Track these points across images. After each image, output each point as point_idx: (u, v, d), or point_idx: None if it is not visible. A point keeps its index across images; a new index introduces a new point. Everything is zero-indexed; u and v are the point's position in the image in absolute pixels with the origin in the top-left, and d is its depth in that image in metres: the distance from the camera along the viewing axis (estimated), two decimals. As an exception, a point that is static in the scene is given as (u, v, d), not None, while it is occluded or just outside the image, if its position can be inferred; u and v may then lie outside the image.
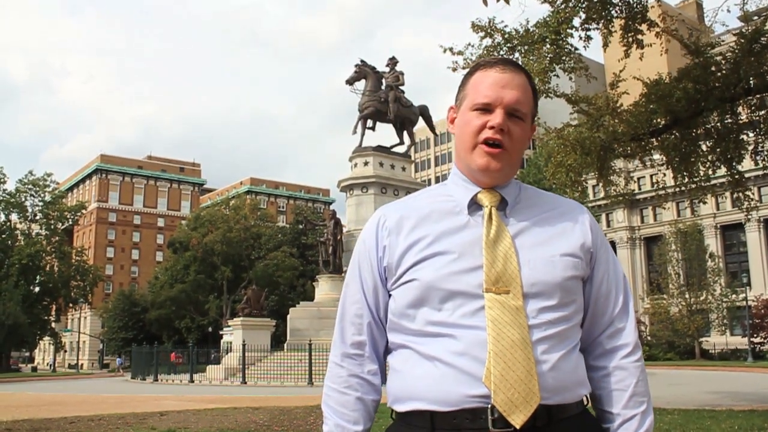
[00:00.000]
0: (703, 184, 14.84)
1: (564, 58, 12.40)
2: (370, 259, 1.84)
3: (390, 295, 1.81)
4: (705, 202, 16.48)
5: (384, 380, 1.88)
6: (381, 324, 1.84)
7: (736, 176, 14.60)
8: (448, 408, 1.64)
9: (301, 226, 75.50)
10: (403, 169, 37.28)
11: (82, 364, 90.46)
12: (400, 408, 1.74)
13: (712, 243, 63.88)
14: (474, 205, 1.79)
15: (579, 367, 1.73)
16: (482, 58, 12.50)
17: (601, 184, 15.42)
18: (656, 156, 15.75)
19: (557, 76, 12.67)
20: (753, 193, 16.43)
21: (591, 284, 1.83)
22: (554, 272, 1.71)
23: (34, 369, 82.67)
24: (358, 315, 1.85)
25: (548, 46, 11.90)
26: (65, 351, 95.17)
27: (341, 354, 1.86)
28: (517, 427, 1.59)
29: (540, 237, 1.76)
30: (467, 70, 1.90)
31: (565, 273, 1.72)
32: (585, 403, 1.76)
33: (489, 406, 1.60)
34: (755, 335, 53.65)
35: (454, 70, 12.86)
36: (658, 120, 13.95)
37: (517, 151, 1.78)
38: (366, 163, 35.76)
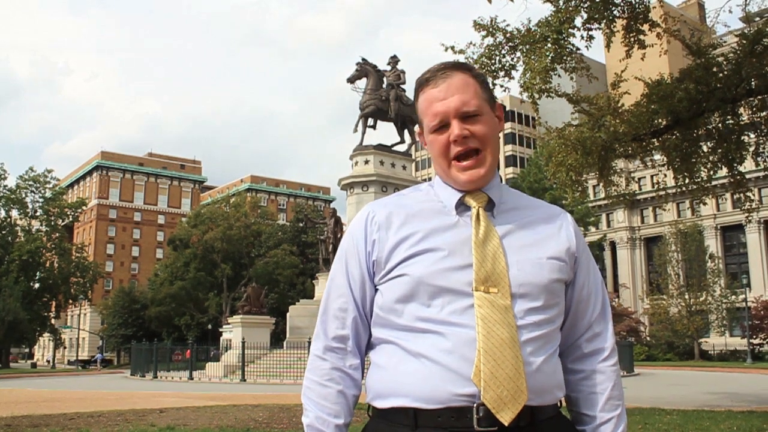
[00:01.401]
0: (703, 184, 14.83)
1: (565, 57, 12.40)
2: (358, 252, 1.83)
3: (377, 290, 1.80)
4: (705, 203, 16.47)
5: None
6: (366, 319, 1.84)
7: (737, 177, 14.59)
8: (433, 406, 1.64)
9: (301, 224, 75.57)
10: (404, 167, 37.27)
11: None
12: (381, 404, 1.73)
13: (712, 244, 63.91)
14: (462, 206, 1.80)
15: (558, 370, 1.76)
16: (483, 57, 12.50)
17: (601, 184, 15.41)
18: (657, 156, 15.74)
19: (559, 75, 12.67)
20: (754, 194, 16.42)
21: (573, 288, 1.85)
22: (541, 274, 1.74)
23: (34, 365, 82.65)
24: (343, 309, 1.84)
25: (550, 45, 11.90)
26: (65, 347, 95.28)
27: (323, 347, 1.85)
28: (506, 423, 1.60)
29: (527, 239, 1.78)
30: (414, 90, 1.90)
31: (551, 275, 1.75)
32: (559, 405, 1.79)
33: (475, 405, 1.61)
34: (754, 336, 53.71)
35: (456, 69, 12.84)
36: (660, 120, 13.94)
37: (489, 145, 1.79)
38: (367, 162, 35.73)
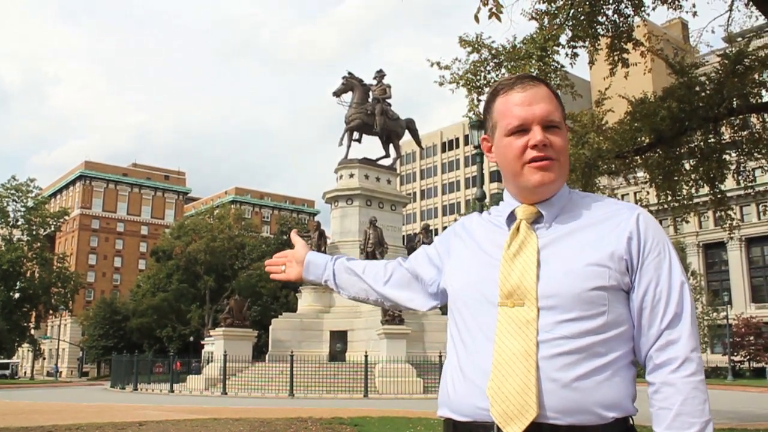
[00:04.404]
0: (685, 202, 14.94)
1: (550, 74, 12.48)
2: (437, 246, 2.04)
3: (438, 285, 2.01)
4: (687, 221, 16.58)
5: None
6: (407, 273, 2.09)
7: (719, 195, 14.71)
8: (464, 418, 1.69)
9: (285, 237, 75.34)
10: (389, 181, 37.31)
11: (60, 372, 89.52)
12: (438, 413, 1.81)
13: (694, 261, 64.33)
14: (513, 219, 1.82)
15: (613, 386, 1.64)
16: (468, 73, 12.55)
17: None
18: (640, 174, 15.86)
19: (543, 92, 12.73)
20: (735, 213, 16.56)
21: (635, 294, 1.72)
22: (573, 283, 1.66)
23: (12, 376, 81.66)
24: (408, 260, 2.12)
25: (534, 62, 11.97)
26: (44, 358, 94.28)
27: (398, 260, 2.16)
28: None
29: (570, 248, 1.72)
30: (487, 96, 1.91)
31: (586, 284, 1.66)
32: (630, 423, 1.69)
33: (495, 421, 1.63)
34: (735, 354, 53.99)
35: (441, 84, 12.90)
36: (643, 138, 14.06)
37: (564, 158, 1.79)
38: (351, 175, 35.75)
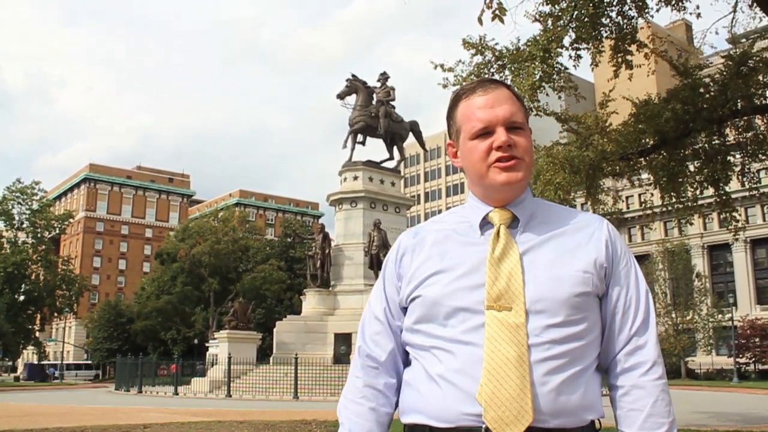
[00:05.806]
0: (690, 204, 14.91)
1: (554, 76, 12.47)
2: (391, 277, 1.91)
3: (405, 312, 1.86)
4: (692, 223, 16.54)
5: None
6: (400, 338, 1.89)
7: (724, 197, 14.67)
8: (445, 424, 1.66)
9: (289, 240, 75.30)
10: (393, 184, 37.30)
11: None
12: (405, 420, 1.79)
13: (699, 263, 64.17)
14: (487, 225, 1.81)
15: (589, 390, 1.70)
16: (472, 75, 12.55)
17: (589, 203, 15.47)
18: (644, 175, 15.82)
19: (547, 94, 12.74)
20: (740, 214, 16.51)
21: (607, 300, 1.79)
22: (561, 288, 1.69)
23: (17, 379, 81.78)
24: (377, 332, 1.90)
25: (538, 64, 11.97)
26: (49, 361, 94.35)
27: (359, 365, 1.90)
28: None
29: (551, 254, 1.75)
30: (450, 102, 1.92)
31: (573, 289, 1.70)
32: (598, 426, 1.73)
33: (483, 426, 1.62)
34: (740, 356, 53.84)
35: (445, 86, 12.91)
36: (647, 140, 14.03)
37: (529, 158, 1.81)
38: (355, 178, 35.75)
